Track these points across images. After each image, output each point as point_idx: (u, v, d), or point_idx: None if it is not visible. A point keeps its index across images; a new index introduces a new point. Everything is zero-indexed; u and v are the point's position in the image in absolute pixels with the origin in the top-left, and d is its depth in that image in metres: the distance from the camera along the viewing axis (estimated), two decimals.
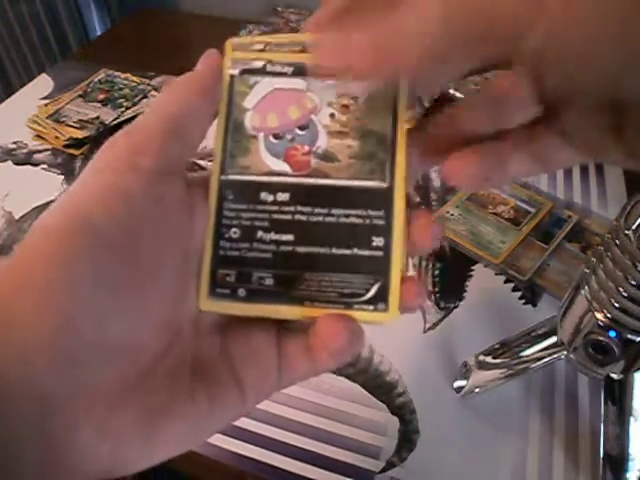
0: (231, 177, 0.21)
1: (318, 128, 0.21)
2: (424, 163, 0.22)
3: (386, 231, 0.20)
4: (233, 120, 0.22)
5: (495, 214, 0.55)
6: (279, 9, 0.90)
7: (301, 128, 0.21)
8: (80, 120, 0.68)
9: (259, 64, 0.22)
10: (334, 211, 0.20)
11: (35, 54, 1.01)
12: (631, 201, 0.30)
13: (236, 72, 0.22)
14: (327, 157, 0.21)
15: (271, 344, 0.21)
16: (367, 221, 0.20)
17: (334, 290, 0.20)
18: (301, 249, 0.20)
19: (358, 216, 0.20)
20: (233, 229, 0.21)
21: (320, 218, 0.20)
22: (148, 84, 0.75)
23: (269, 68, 0.22)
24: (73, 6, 0.98)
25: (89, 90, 0.73)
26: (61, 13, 0.98)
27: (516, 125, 0.20)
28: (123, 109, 0.69)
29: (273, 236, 0.21)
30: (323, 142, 0.21)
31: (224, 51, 0.22)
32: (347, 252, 0.20)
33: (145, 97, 0.72)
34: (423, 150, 0.21)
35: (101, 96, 0.72)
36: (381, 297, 0.20)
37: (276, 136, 0.21)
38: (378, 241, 0.20)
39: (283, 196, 0.21)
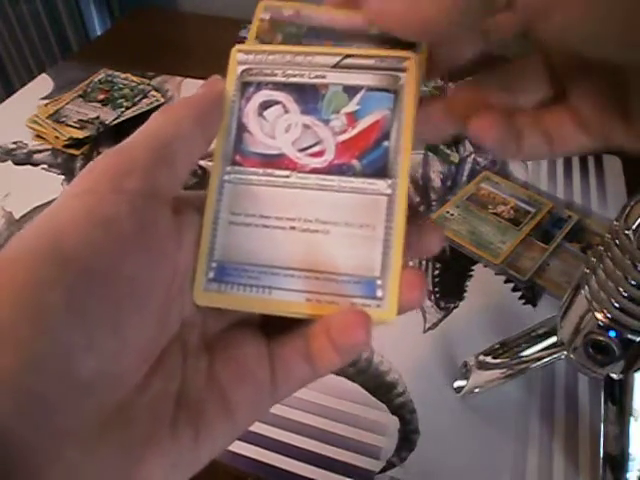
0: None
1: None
2: (448, 125, 0.21)
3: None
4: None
5: (495, 214, 0.55)
6: None
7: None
8: (80, 120, 0.68)
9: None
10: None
11: (35, 54, 1.01)
12: (631, 201, 0.30)
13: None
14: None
15: (261, 356, 0.20)
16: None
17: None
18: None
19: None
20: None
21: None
22: (148, 84, 0.75)
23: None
24: (73, 6, 0.98)
25: (89, 90, 0.73)
26: (61, 13, 0.98)
27: (530, 101, 0.21)
28: (123, 109, 0.69)
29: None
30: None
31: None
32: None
33: (145, 97, 0.72)
34: (447, 112, 0.21)
35: (101, 96, 0.72)
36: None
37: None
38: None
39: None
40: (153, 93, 0.73)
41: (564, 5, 0.15)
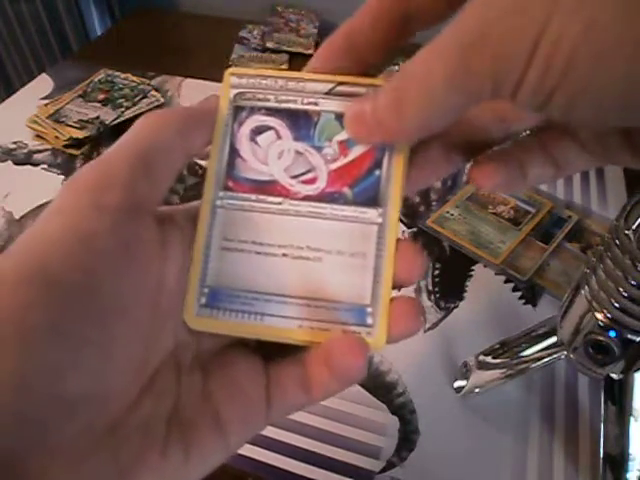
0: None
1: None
2: (441, 168, 0.22)
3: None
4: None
5: (495, 214, 0.55)
6: (279, 9, 0.90)
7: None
8: (80, 120, 0.68)
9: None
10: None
11: (35, 54, 1.01)
12: (631, 201, 0.30)
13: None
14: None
15: (257, 378, 0.20)
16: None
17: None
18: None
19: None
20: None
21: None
22: (148, 84, 0.75)
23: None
24: (73, 6, 0.98)
25: (89, 90, 0.73)
26: (61, 13, 0.98)
27: (525, 129, 0.21)
28: (123, 109, 0.69)
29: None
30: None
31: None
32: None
33: (145, 97, 0.72)
34: (441, 156, 0.21)
35: (101, 96, 0.72)
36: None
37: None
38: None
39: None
40: (153, 93, 0.73)
41: (565, 91, 0.15)
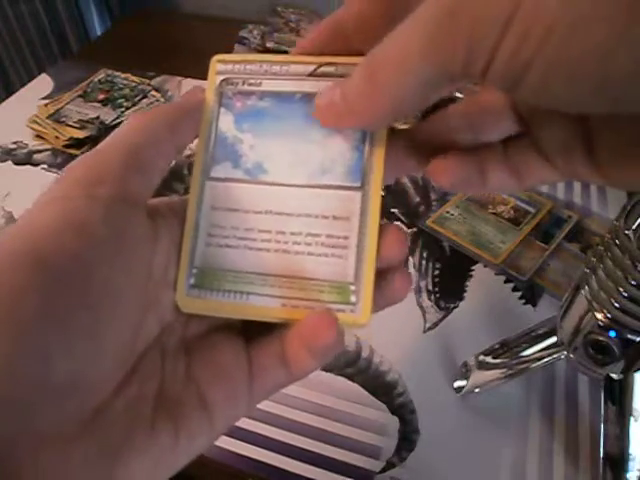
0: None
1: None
2: (406, 166, 0.22)
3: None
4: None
5: (495, 214, 0.55)
6: (279, 9, 0.90)
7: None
8: (80, 120, 0.68)
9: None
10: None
11: (35, 54, 1.01)
12: (631, 201, 0.30)
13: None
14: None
15: (239, 358, 0.20)
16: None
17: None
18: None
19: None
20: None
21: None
22: (148, 84, 0.75)
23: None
24: (73, 6, 0.98)
25: (89, 90, 0.73)
26: (61, 13, 0.97)
27: (494, 139, 0.20)
28: (123, 109, 0.69)
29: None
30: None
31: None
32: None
33: (145, 97, 0.72)
34: (407, 153, 0.21)
35: (101, 96, 0.72)
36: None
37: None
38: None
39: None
40: (153, 93, 0.73)
41: (537, 72, 0.14)
